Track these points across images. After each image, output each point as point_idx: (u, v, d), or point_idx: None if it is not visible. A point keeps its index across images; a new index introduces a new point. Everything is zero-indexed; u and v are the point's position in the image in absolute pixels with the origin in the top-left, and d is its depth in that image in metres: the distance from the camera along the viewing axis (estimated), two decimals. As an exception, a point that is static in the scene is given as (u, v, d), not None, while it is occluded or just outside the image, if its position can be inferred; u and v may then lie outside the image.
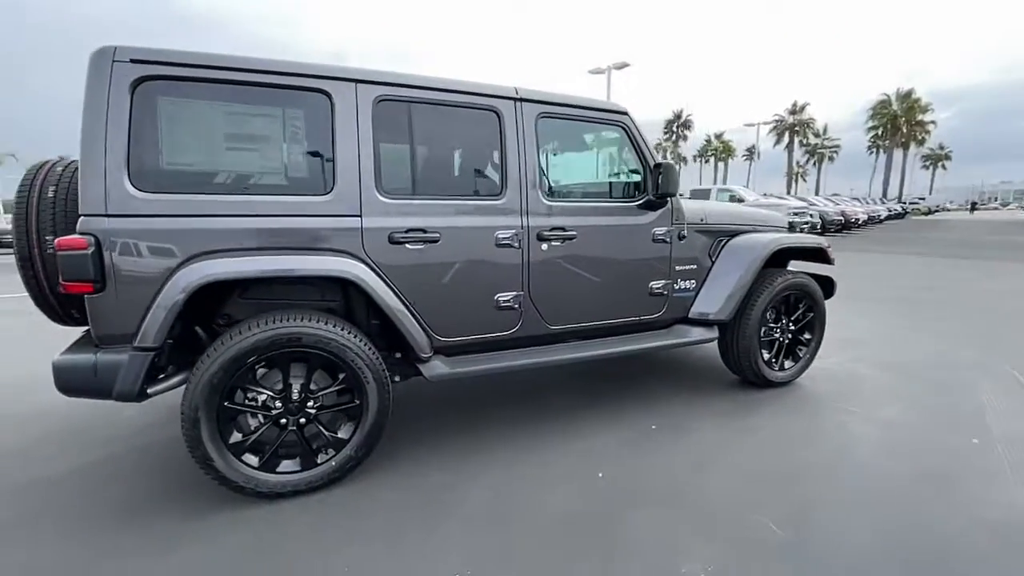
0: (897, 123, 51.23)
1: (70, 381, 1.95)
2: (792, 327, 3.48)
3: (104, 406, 2.86)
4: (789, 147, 55.89)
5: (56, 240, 1.90)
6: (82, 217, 1.90)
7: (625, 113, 2.89)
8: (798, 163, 59.41)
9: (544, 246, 2.65)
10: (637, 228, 2.93)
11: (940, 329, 5.06)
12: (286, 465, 2.19)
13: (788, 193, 36.15)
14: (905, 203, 44.77)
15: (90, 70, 1.91)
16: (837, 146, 61.60)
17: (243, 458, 2.11)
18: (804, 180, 66.52)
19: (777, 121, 54.99)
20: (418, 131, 2.48)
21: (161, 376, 2.21)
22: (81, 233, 1.88)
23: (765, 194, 21.19)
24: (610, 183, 3.13)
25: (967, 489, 2.26)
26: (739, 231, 3.40)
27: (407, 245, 2.34)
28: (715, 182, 56.21)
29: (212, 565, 1.81)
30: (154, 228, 1.97)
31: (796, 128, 55.35)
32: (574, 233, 2.71)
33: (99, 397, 1.98)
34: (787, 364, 3.51)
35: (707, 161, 68.84)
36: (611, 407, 3.16)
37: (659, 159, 2.91)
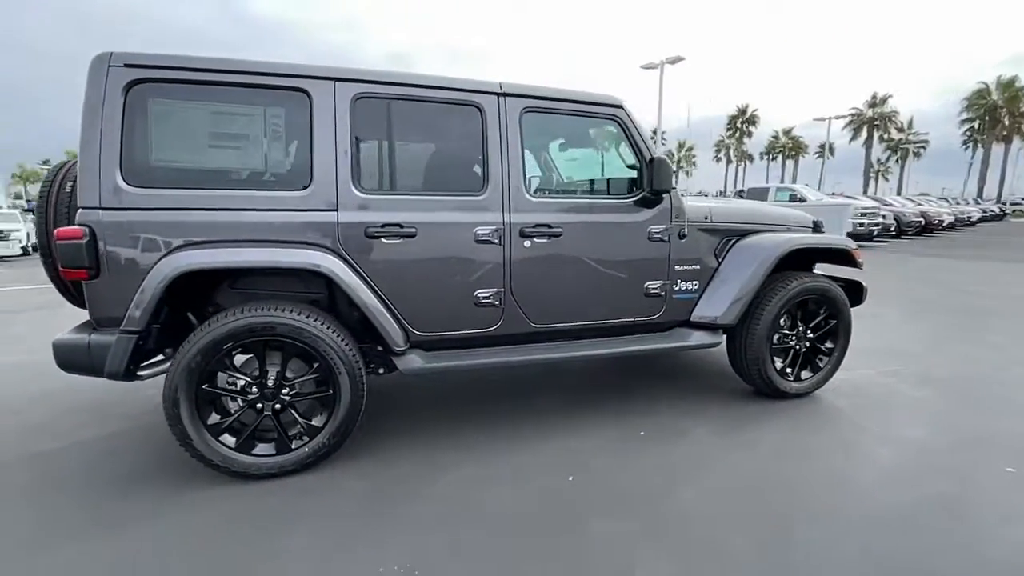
0: (997, 114, 46.08)
1: (67, 359, 2.14)
2: (811, 335, 3.23)
3: (126, 385, 3.10)
4: (867, 143, 51.79)
5: (56, 230, 2.09)
6: (80, 209, 2.07)
7: (619, 106, 2.78)
8: (878, 160, 55.06)
9: (527, 243, 2.60)
10: (631, 226, 2.82)
11: (1002, 344, 4.51)
12: (262, 448, 2.30)
13: (864, 193, 33.61)
14: (1005, 203, 40.28)
15: (90, 74, 2.08)
16: (924, 142, 56.47)
17: (221, 439, 2.23)
18: (886, 179, 61.56)
19: (854, 115, 51.06)
20: (397, 127, 2.51)
21: (155, 360, 2.38)
22: (78, 224, 2.06)
23: (832, 193, 19.77)
24: (605, 179, 3.02)
25: (977, 523, 2.00)
26: (750, 230, 3.19)
27: (383, 239, 2.37)
28: (783, 180, 53.12)
29: (182, 536, 1.92)
30: (142, 220, 2.12)
31: (876, 122, 51.19)
32: (560, 230, 2.65)
33: (93, 375, 2.16)
34: (804, 375, 3.26)
35: (774, 159, 65.28)
36: (607, 409, 3.06)
37: (656, 153, 2.79)
